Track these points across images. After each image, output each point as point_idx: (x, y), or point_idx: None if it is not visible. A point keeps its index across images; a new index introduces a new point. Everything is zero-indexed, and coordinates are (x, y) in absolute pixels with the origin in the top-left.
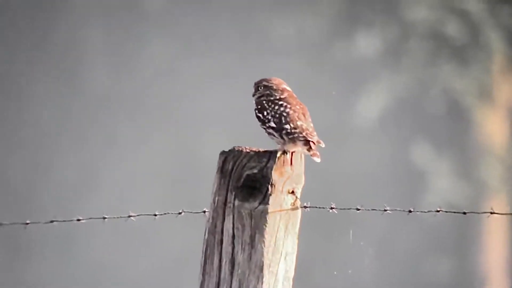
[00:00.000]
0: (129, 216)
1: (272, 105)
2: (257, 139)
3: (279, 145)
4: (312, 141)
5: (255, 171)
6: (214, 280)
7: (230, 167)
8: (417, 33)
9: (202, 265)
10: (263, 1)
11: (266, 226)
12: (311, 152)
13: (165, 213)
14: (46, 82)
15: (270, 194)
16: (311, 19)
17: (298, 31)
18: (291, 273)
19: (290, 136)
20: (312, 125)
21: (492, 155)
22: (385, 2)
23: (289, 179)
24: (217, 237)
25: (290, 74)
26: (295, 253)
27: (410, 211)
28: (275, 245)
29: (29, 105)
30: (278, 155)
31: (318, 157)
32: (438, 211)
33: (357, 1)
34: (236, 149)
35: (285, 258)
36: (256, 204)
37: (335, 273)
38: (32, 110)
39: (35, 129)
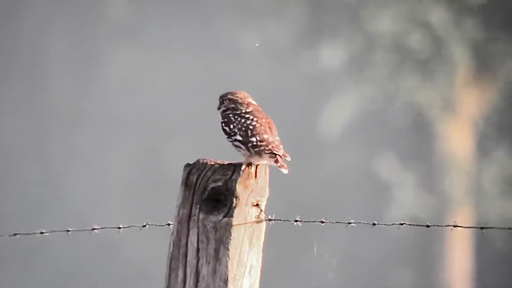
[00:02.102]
0: (93, 229)
1: (239, 119)
2: (222, 151)
3: (244, 158)
4: (278, 155)
5: (220, 183)
6: None
7: (194, 180)
8: (382, 45)
9: (167, 278)
10: (228, 10)
11: (230, 239)
12: (279, 164)
13: (129, 226)
14: (9, 93)
15: (235, 207)
16: (276, 30)
17: (264, 41)
18: (256, 286)
19: (256, 149)
20: (278, 138)
21: (456, 168)
22: (350, 13)
23: (253, 191)
24: (182, 250)
25: (255, 84)
26: (260, 266)
27: (374, 224)
28: (239, 258)
29: None
30: (243, 168)
31: (286, 169)
32: (401, 224)
33: (322, 13)
34: (201, 161)
35: (249, 271)
36: (220, 217)
37: (299, 286)
38: None
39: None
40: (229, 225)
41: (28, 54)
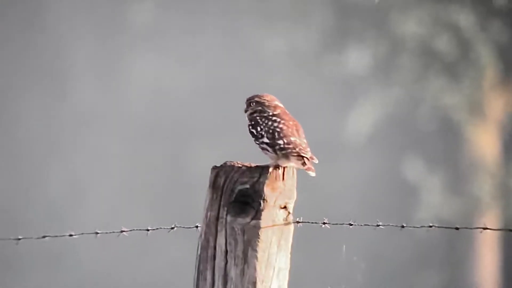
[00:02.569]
0: (122, 231)
1: (266, 121)
2: (250, 154)
3: (272, 160)
4: (306, 157)
5: (247, 186)
6: None
7: (222, 182)
8: (408, 48)
9: (195, 280)
10: (254, 16)
11: (258, 241)
12: (306, 167)
13: (157, 228)
14: (34, 97)
15: (262, 210)
16: (302, 35)
17: (289, 46)
18: None
19: (284, 152)
20: (305, 141)
21: (483, 170)
22: (376, 17)
23: (281, 194)
24: (210, 252)
25: (281, 89)
26: (288, 268)
27: (403, 226)
28: (268, 260)
29: (17, 121)
30: (270, 170)
31: (313, 171)
32: (430, 227)
33: (348, 17)
34: (228, 164)
35: (278, 273)
36: (248, 219)
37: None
38: (21, 125)
39: (24, 145)
40: (257, 228)
41: (51, 59)
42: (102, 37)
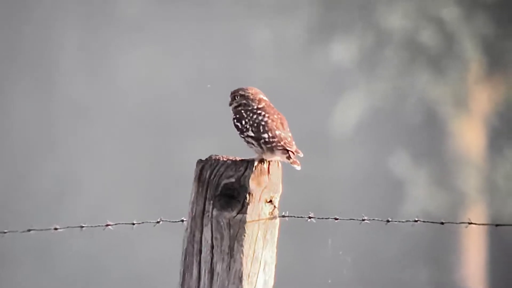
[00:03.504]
0: (107, 225)
1: (250, 115)
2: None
3: (257, 154)
4: (291, 151)
5: (233, 180)
6: None
7: (207, 176)
8: (393, 41)
9: (181, 275)
10: (241, 7)
11: (244, 235)
12: (291, 160)
13: (143, 222)
14: (23, 89)
15: (248, 204)
16: (288, 27)
17: (276, 38)
18: (271, 283)
19: (269, 145)
20: (290, 134)
21: (469, 164)
22: (362, 10)
23: (266, 188)
24: (196, 246)
25: (267, 81)
26: (274, 262)
27: (388, 221)
28: (254, 255)
29: (4, 113)
30: (255, 164)
31: (298, 165)
32: (416, 221)
33: (334, 9)
34: (213, 157)
35: (264, 268)
36: (234, 213)
37: (315, 283)
38: (8, 118)
39: (11, 137)
40: (242, 222)
41: (38, 51)
42: (92, 30)
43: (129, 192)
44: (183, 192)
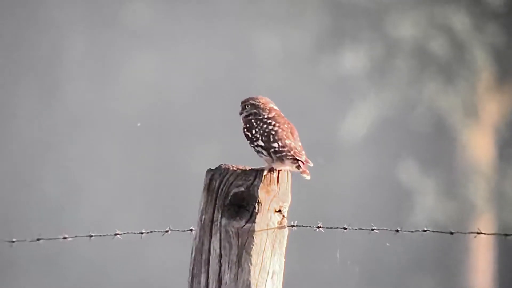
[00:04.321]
0: (116, 234)
1: (261, 124)
2: (245, 156)
3: (267, 163)
4: (301, 160)
5: (242, 189)
6: None
7: (217, 185)
8: (403, 50)
9: (190, 283)
10: (249, 16)
11: (253, 245)
12: (301, 170)
13: (151, 231)
14: (28, 98)
15: (257, 213)
16: (297, 36)
17: (285, 47)
18: None
19: (278, 155)
20: (300, 144)
21: (478, 174)
22: (371, 18)
23: (275, 197)
24: (204, 255)
25: (276, 90)
26: (282, 272)
27: (397, 231)
28: (262, 264)
29: (10, 122)
30: (265, 173)
31: (308, 175)
32: (425, 231)
33: (343, 18)
34: (223, 167)
35: (272, 277)
36: (243, 222)
37: None
38: (14, 126)
39: (19, 147)
40: (251, 231)
41: (45, 58)
42: (97, 36)
43: (137, 200)
44: (192, 201)
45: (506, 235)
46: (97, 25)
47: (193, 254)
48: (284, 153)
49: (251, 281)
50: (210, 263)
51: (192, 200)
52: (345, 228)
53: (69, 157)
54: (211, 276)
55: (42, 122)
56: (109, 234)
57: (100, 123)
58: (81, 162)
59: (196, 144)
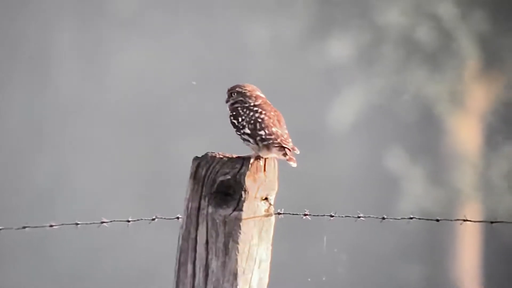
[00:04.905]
0: (102, 222)
1: (247, 112)
2: (231, 144)
3: (253, 151)
4: (287, 148)
5: (229, 177)
6: (188, 287)
7: (203, 173)
8: (390, 39)
9: (176, 272)
10: (237, 4)
11: (240, 233)
12: (287, 157)
13: (138, 219)
14: (17, 87)
15: (244, 201)
16: (285, 24)
17: (272, 35)
18: (265, 280)
19: (265, 143)
20: (287, 131)
21: (465, 161)
22: (359, 6)
23: (262, 185)
24: (191, 244)
25: (264, 78)
26: (269, 260)
27: (383, 218)
28: (249, 252)
29: (0, 112)
30: (252, 161)
31: (294, 162)
32: (411, 218)
33: (331, 6)
34: (210, 155)
35: (259, 265)
36: (229, 210)
37: (309, 279)
38: (4, 116)
39: (6, 135)
40: (238, 219)
41: (34, 49)
42: (86, 27)
43: (124, 189)
44: (179, 189)
45: (492, 222)
46: (86, 14)
47: (180, 243)
48: (271, 141)
49: (238, 269)
50: (197, 251)
51: (180, 188)
52: (331, 216)
53: (56, 146)
54: (198, 264)
55: (31, 111)
56: (95, 222)
57: (89, 113)
58: (68, 152)
59: (184, 132)
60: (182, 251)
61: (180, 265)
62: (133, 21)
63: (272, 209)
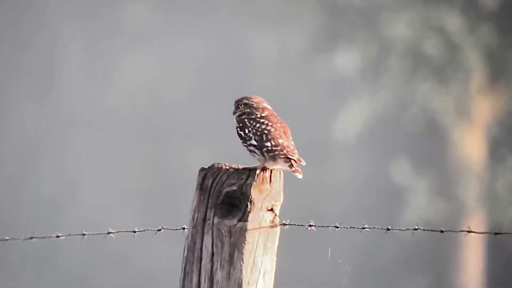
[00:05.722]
0: (109, 233)
1: (254, 123)
2: (237, 155)
3: (259, 162)
4: (293, 159)
5: (235, 188)
6: None
7: (209, 184)
8: (396, 51)
9: (182, 282)
10: (245, 17)
11: (245, 243)
12: (293, 169)
13: (144, 230)
14: (24, 97)
15: (249, 212)
16: (292, 36)
17: (279, 47)
18: None
19: (271, 154)
20: (293, 143)
21: (469, 173)
22: (365, 19)
23: (268, 196)
24: (196, 254)
25: (270, 89)
26: (274, 270)
27: (388, 229)
28: (253, 263)
29: (6, 120)
30: (258, 172)
31: (300, 173)
32: (415, 229)
33: (338, 19)
34: (216, 165)
35: (263, 276)
36: (235, 221)
37: None
38: (9, 124)
39: (13, 145)
40: (243, 230)
41: (43, 58)
42: (94, 37)
43: (130, 200)
44: (185, 200)
45: (496, 233)
46: (93, 24)
47: (185, 253)
48: (277, 152)
49: (243, 279)
50: (202, 262)
51: (185, 199)
52: (336, 227)
53: (63, 156)
54: (203, 274)
55: (37, 120)
56: (102, 232)
57: (95, 122)
58: (75, 161)
59: (190, 143)
60: (187, 261)
61: (186, 275)
62: (140, 31)
63: (277, 220)
